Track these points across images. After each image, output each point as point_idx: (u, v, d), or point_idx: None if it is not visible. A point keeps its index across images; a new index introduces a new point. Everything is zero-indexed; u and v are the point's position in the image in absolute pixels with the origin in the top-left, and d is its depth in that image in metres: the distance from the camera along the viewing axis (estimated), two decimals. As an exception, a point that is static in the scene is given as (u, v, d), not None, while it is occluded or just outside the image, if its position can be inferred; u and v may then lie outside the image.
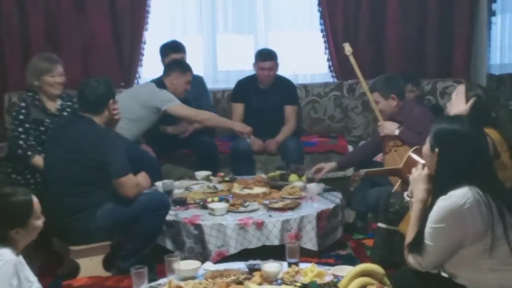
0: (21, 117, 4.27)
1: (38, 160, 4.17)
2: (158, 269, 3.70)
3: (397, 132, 4.28)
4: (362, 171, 3.40)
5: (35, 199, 2.68)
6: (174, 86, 4.99)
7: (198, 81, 5.48)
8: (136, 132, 4.93)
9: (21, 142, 4.23)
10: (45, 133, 4.30)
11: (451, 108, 3.54)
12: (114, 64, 5.74)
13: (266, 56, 5.39)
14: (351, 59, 4.53)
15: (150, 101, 4.89)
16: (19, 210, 2.60)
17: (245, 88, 5.53)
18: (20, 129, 4.25)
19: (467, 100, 3.41)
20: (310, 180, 4.59)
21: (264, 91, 5.48)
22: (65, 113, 4.41)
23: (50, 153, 3.90)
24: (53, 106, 4.40)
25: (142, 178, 3.96)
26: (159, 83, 5.03)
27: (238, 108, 5.52)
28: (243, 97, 5.52)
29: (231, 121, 5.26)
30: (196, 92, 5.31)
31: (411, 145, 3.99)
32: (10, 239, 2.57)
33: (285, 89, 5.53)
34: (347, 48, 4.56)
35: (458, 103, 3.46)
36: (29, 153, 4.21)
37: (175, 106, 4.91)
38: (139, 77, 5.87)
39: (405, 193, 2.90)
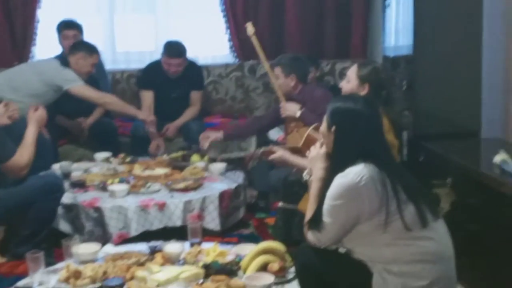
0: None
1: None
2: (56, 253, 3.61)
3: (298, 113, 4.31)
4: (259, 151, 3.44)
5: None
6: (78, 66, 4.83)
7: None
8: None
9: None
10: None
11: (344, 86, 3.60)
12: (6, 43, 5.50)
13: (174, 52, 5.26)
14: (253, 39, 4.52)
15: (53, 78, 4.73)
16: None
17: (152, 75, 5.40)
18: None
19: (358, 79, 3.48)
20: (212, 160, 4.60)
21: (173, 79, 5.36)
22: None
23: None
24: None
25: (21, 154, 3.68)
26: (63, 60, 4.87)
27: (147, 95, 5.38)
28: (151, 83, 5.39)
29: (135, 109, 5.13)
30: (93, 74, 5.16)
31: (309, 124, 4.05)
32: None
33: (192, 75, 5.46)
34: (249, 28, 4.55)
35: (349, 82, 3.53)
36: None
37: (78, 87, 4.77)
38: (33, 57, 5.65)
39: (305, 172, 2.93)
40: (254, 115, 5.84)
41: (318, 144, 2.77)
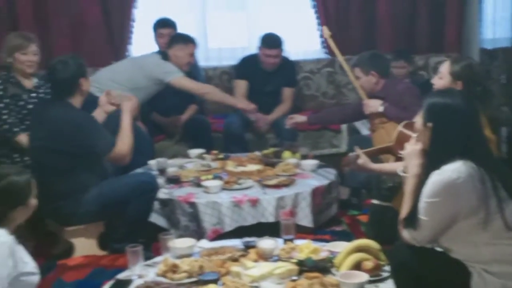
0: (0, 92, 4.23)
1: (23, 138, 4.14)
2: (153, 247, 3.70)
3: (381, 108, 4.26)
4: (354, 154, 3.42)
5: (33, 179, 2.68)
6: (177, 58, 4.96)
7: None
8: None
9: (4, 117, 4.20)
10: (25, 108, 4.27)
11: (436, 82, 3.54)
12: (104, 42, 5.69)
13: (272, 43, 5.29)
14: (330, 42, 4.55)
15: (154, 72, 4.87)
16: (22, 189, 2.60)
17: (249, 67, 5.44)
18: (1, 105, 4.21)
19: (450, 75, 3.42)
20: (304, 157, 4.59)
21: (267, 73, 5.40)
22: (41, 91, 4.37)
23: (31, 138, 3.87)
24: (28, 83, 4.36)
25: (122, 142, 3.82)
26: (163, 54, 5.00)
27: (242, 85, 5.43)
28: (246, 74, 5.44)
29: (234, 98, 5.19)
30: (191, 70, 5.26)
31: (396, 120, 4.00)
32: (7, 219, 2.56)
33: (287, 71, 5.47)
34: (326, 31, 4.60)
35: (441, 78, 3.48)
36: (15, 129, 4.19)
37: (179, 79, 4.89)
38: (129, 56, 5.82)
39: (399, 169, 2.89)
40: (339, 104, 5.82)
41: (413, 140, 2.72)
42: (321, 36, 5.95)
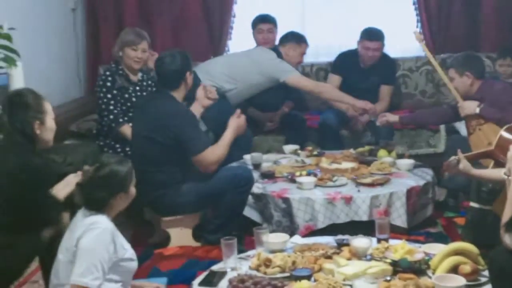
0: (108, 84, 4.39)
1: (127, 129, 4.28)
2: (245, 241, 3.76)
3: (477, 110, 4.16)
4: (454, 159, 3.34)
5: (133, 171, 2.74)
6: (288, 57, 5.00)
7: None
8: (245, 96, 4.96)
9: (111, 107, 4.37)
10: (129, 101, 4.42)
11: None
12: (204, 38, 5.78)
13: (373, 36, 5.23)
14: (423, 45, 4.53)
15: (270, 69, 4.89)
16: (124, 176, 2.67)
17: (346, 62, 5.41)
18: (109, 96, 4.38)
19: None
20: (400, 156, 4.51)
21: (364, 70, 5.35)
22: (145, 84, 4.52)
23: (134, 128, 3.99)
24: (134, 77, 4.52)
25: (213, 151, 3.85)
26: (276, 51, 5.04)
27: (335, 80, 5.39)
28: (342, 70, 5.40)
29: (352, 98, 5.05)
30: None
31: (494, 121, 3.88)
32: (109, 205, 2.64)
33: (385, 68, 5.40)
34: (417, 35, 4.58)
35: None
36: (120, 120, 4.35)
37: (295, 77, 4.90)
38: (228, 51, 5.90)
39: (502, 171, 2.79)
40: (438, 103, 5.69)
41: None
42: (421, 33, 5.80)
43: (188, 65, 3.88)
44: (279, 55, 5.00)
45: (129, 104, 4.42)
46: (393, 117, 4.74)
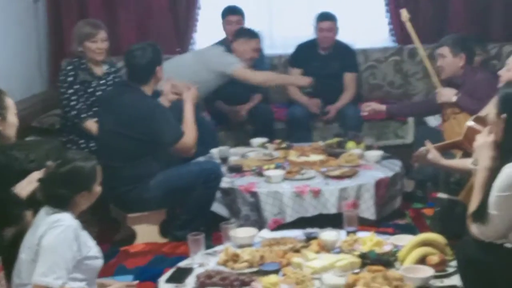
0: (70, 79, 4.32)
1: (91, 124, 4.22)
2: (213, 236, 3.72)
3: (454, 98, 4.16)
4: (424, 149, 3.35)
5: (98, 165, 2.70)
6: (239, 53, 4.95)
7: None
8: (202, 95, 4.92)
9: (73, 103, 4.30)
10: (93, 95, 4.35)
11: (504, 73, 3.46)
12: (170, 30, 5.72)
13: (325, 17, 5.31)
14: (408, 25, 4.46)
15: (216, 64, 4.85)
16: (88, 174, 2.62)
17: (305, 53, 5.43)
18: (71, 91, 4.31)
19: None
20: (369, 148, 4.51)
21: (324, 57, 5.39)
22: (110, 78, 4.45)
23: (101, 123, 3.95)
24: (99, 70, 4.45)
25: (187, 133, 3.86)
26: (226, 46, 5.03)
27: (296, 73, 5.41)
28: (301, 61, 5.42)
29: (292, 76, 5.24)
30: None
31: (470, 111, 3.87)
32: (72, 203, 2.59)
33: (345, 56, 5.43)
34: (404, 14, 4.49)
35: (510, 70, 3.41)
36: (83, 115, 4.28)
37: (240, 70, 4.86)
38: (194, 43, 5.86)
39: (469, 161, 2.81)
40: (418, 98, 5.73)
41: (485, 132, 2.65)
42: (390, 23, 5.83)
43: (158, 59, 3.85)
44: (229, 50, 4.97)
45: (93, 98, 4.35)
46: (379, 107, 4.78)
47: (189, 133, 3.85)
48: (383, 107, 4.80)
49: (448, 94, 4.21)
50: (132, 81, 3.84)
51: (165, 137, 3.75)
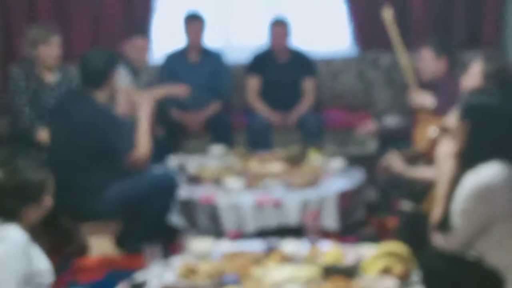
0: (21, 85, 4.24)
1: (43, 134, 4.12)
2: (171, 247, 3.64)
3: (431, 104, 4.16)
4: (389, 158, 3.34)
5: (51, 177, 2.61)
6: (133, 55, 4.92)
7: (215, 59, 5.39)
8: None
9: (23, 111, 4.23)
10: (45, 104, 4.27)
11: (465, 80, 3.47)
12: (124, 34, 5.62)
13: (277, 21, 5.33)
14: (390, 25, 4.42)
15: None
16: (37, 185, 2.52)
17: (262, 61, 5.45)
18: (22, 99, 4.23)
19: (482, 75, 3.34)
20: (331, 157, 4.48)
21: (281, 64, 5.39)
22: (63, 87, 4.37)
23: (53, 133, 3.88)
24: (51, 78, 4.37)
25: (140, 143, 3.77)
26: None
27: (255, 81, 5.42)
28: (259, 69, 5.43)
29: (166, 88, 5.03)
30: (211, 71, 5.26)
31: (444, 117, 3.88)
32: (20, 215, 2.49)
33: (302, 63, 5.44)
34: (387, 14, 4.45)
35: (471, 77, 3.41)
36: (34, 124, 4.19)
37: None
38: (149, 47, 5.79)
39: (432, 170, 2.81)
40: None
41: (448, 142, 2.68)
42: (352, 30, 5.83)
43: (112, 65, 3.80)
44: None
45: (44, 107, 4.26)
46: (373, 126, 4.74)
47: (142, 145, 3.76)
48: (375, 126, 4.76)
49: (426, 100, 4.20)
50: (85, 86, 3.79)
51: (116, 149, 3.69)
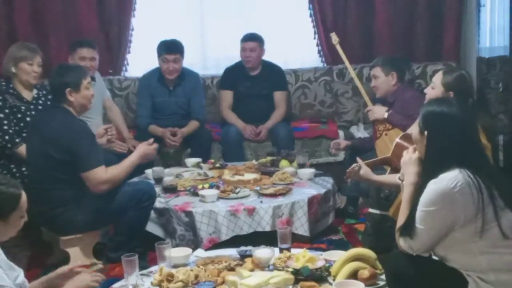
0: None
1: (23, 149, 4.07)
2: (149, 257, 3.69)
3: (385, 115, 4.33)
4: (356, 166, 3.43)
5: (24, 196, 2.50)
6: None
7: (192, 78, 5.40)
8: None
9: (5, 127, 4.18)
10: (23, 121, 4.25)
11: (429, 91, 3.64)
12: (102, 51, 5.67)
13: (248, 37, 5.39)
14: (338, 48, 4.64)
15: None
16: (4, 200, 2.42)
17: (233, 75, 5.50)
18: (1, 116, 4.19)
19: (443, 85, 3.53)
20: (301, 166, 4.58)
21: (253, 77, 5.46)
22: (40, 102, 4.37)
23: (29, 146, 3.83)
24: (28, 95, 4.36)
25: (110, 170, 3.70)
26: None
27: (227, 95, 5.49)
28: (231, 84, 5.49)
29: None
30: (189, 90, 5.31)
31: (400, 127, 4.02)
32: None
33: (273, 75, 5.51)
34: (334, 38, 4.68)
35: (434, 88, 3.59)
36: (17, 140, 4.17)
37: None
38: (127, 64, 5.85)
39: (397, 176, 2.88)
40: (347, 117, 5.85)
41: (411, 149, 2.72)
42: (318, 44, 5.96)
43: (67, 81, 3.65)
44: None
45: (22, 124, 4.24)
46: (345, 142, 4.86)
47: (114, 170, 3.69)
48: (348, 142, 4.86)
49: (379, 112, 4.37)
50: (54, 100, 3.79)
51: (78, 160, 3.59)
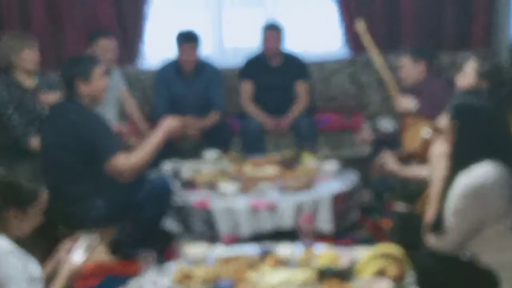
0: (4, 93, 4.20)
1: (35, 142, 4.09)
2: (166, 253, 3.63)
3: (414, 107, 4.22)
4: (382, 158, 3.35)
5: (44, 193, 2.57)
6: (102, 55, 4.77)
7: (209, 69, 5.33)
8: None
9: (14, 122, 4.18)
10: (31, 112, 4.24)
11: (460, 80, 3.52)
12: (118, 42, 5.63)
13: (270, 26, 5.35)
14: (364, 36, 4.49)
15: None
16: (24, 191, 2.50)
17: (254, 66, 5.45)
18: (9, 110, 4.18)
19: (477, 74, 3.40)
20: (325, 159, 4.49)
21: (274, 68, 5.41)
22: (43, 90, 4.34)
23: (44, 141, 3.82)
24: (30, 83, 4.34)
25: (139, 153, 3.62)
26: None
27: (248, 86, 5.44)
28: (252, 74, 5.44)
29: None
30: (207, 82, 5.24)
31: (429, 119, 3.90)
32: (5, 221, 2.46)
33: (295, 66, 5.45)
34: (360, 25, 4.51)
35: (466, 76, 3.46)
36: (27, 134, 4.17)
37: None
38: (143, 55, 5.84)
39: (425, 170, 2.82)
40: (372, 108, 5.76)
41: (440, 142, 2.68)
42: (344, 33, 5.86)
43: (75, 72, 3.63)
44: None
45: (32, 115, 4.24)
46: (370, 135, 4.74)
47: (137, 154, 3.60)
48: (373, 135, 4.77)
49: (408, 104, 4.26)
50: (66, 91, 3.73)
51: (100, 149, 3.54)
